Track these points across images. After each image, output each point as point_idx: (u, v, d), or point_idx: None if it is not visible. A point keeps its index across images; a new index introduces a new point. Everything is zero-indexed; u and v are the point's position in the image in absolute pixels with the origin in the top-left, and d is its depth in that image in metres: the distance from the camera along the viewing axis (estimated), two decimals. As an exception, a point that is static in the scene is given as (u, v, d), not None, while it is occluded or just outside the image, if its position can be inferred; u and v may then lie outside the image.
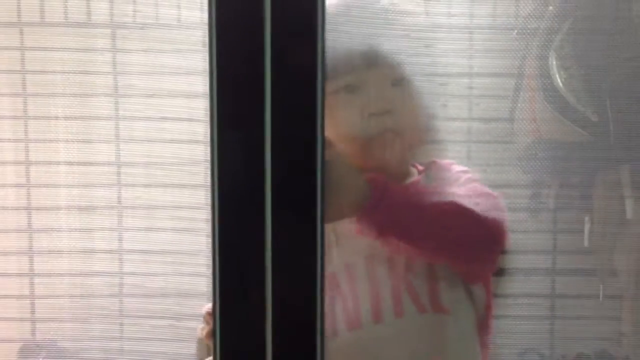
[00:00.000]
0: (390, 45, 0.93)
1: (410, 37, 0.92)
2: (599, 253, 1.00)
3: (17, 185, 1.09)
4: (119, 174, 1.08)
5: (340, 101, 0.92)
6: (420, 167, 0.97)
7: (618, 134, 0.94)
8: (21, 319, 1.10)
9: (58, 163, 1.08)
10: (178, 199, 1.08)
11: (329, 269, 0.91)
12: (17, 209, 1.09)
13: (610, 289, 1.00)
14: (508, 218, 0.91)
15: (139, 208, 1.09)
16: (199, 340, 0.95)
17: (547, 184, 0.97)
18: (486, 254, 0.92)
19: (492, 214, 0.89)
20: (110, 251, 1.09)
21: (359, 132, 0.92)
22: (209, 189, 0.84)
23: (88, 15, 1.06)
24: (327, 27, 0.81)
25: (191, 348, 1.05)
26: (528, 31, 0.95)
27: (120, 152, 1.08)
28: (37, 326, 1.10)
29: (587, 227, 0.98)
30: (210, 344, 0.86)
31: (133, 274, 1.10)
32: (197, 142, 1.07)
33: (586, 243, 0.98)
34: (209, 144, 0.83)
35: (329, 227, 0.91)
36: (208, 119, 0.83)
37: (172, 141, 1.07)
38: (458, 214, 0.88)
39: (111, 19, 1.06)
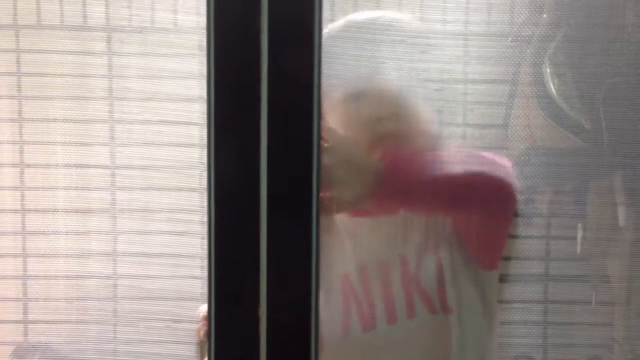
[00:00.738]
0: (386, 51, 0.94)
1: (406, 43, 0.93)
2: (591, 259, 1.00)
3: (13, 188, 1.09)
4: (114, 176, 1.08)
5: (348, 109, 0.93)
6: None
7: (611, 141, 0.95)
8: (15, 321, 1.10)
9: (54, 166, 1.09)
10: (173, 201, 1.09)
11: (342, 270, 0.92)
12: (13, 211, 1.09)
13: (603, 295, 1.00)
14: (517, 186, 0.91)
15: (134, 211, 1.09)
16: (201, 343, 0.95)
17: (541, 190, 0.98)
18: (499, 210, 0.93)
19: (502, 176, 0.90)
20: (105, 254, 1.09)
21: (366, 137, 0.92)
22: (205, 192, 0.84)
23: (84, 19, 1.06)
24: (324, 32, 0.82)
25: (186, 350, 1.05)
26: (522, 38, 0.96)
27: (116, 155, 1.08)
28: (30, 327, 1.10)
29: (580, 233, 0.98)
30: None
31: (128, 276, 1.10)
32: (192, 145, 1.07)
33: (579, 249, 0.99)
34: (204, 147, 0.84)
35: (341, 230, 0.92)
36: (203, 122, 0.83)
37: (167, 144, 1.08)
38: (470, 170, 0.90)
39: (107, 22, 1.06)
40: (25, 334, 1.10)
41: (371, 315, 0.93)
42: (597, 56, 0.95)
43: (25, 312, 1.09)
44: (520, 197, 0.97)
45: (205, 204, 0.83)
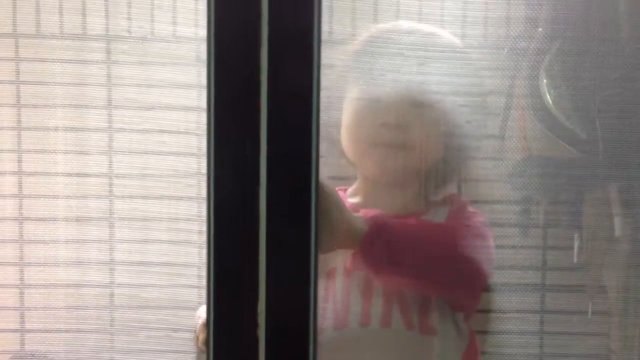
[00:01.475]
0: (384, 63, 0.95)
1: (404, 55, 0.94)
2: (588, 269, 1.01)
3: (11, 196, 1.09)
4: (112, 185, 1.08)
5: (360, 107, 0.94)
6: (435, 198, 0.98)
7: (607, 152, 0.96)
8: (13, 330, 1.10)
9: (52, 174, 1.09)
10: (171, 210, 1.09)
11: (331, 265, 0.93)
12: (11, 219, 1.09)
13: (600, 305, 1.01)
14: (493, 261, 0.94)
15: (132, 219, 1.09)
16: (200, 351, 0.95)
17: (537, 201, 0.98)
18: (468, 292, 0.95)
19: (480, 259, 0.92)
20: (103, 262, 1.09)
21: (368, 139, 0.93)
22: (203, 201, 0.84)
23: (84, 29, 1.07)
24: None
25: (184, 359, 1.05)
26: (518, 51, 0.97)
27: (114, 163, 1.08)
28: (28, 336, 1.10)
29: (576, 243, 0.99)
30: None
31: (126, 285, 1.10)
32: (190, 154, 1.07)
33: (575, 259, 1.00)
34: (202, 156, 0.84)
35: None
36: (201, 132, 0.84)
37: (165, 153, 1.08)
38: (447, 257, 0.91)
39: (107, 33, 1.07)
40: (23, 342, 1.10)
41: (345, 315, 0.93)
42: (593, 69, 0.96)
43: (22, 321, 1.09)
44: (516, 208, 0.98)
45: (203, 213, 0.83)
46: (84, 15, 1.06)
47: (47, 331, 1.09)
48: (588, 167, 0.97)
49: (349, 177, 1.01)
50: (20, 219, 1.09)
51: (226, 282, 0.84)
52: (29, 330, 1.10)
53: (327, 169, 0.94)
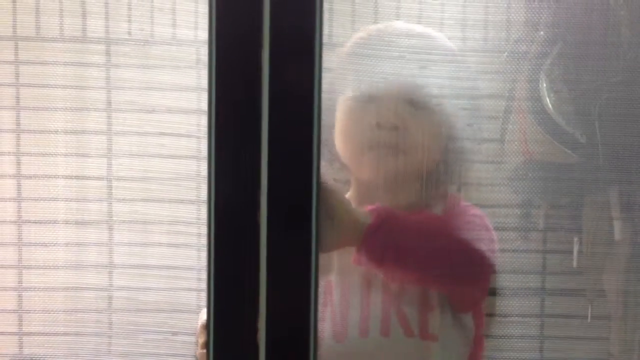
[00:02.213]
0: (386, 66, 0.94)
1: (405, 58, 0.94)
2: (588, 273, 1.01)
3: (11, 199, 1.09)
4: (110, 188, 1.08)
5: (354, 107, 0.93)
6: (431, 195, 0.97)
7: (607, 156, 0.96)
8: (11, 333, 1.09)
9: (52, 177, 1.09)
10: (170, 213, 1.09)
11: (326, 276, 0.92)
12: (11, 222, 1.09)
13: (600, 309, 1.01)
14: (497, 253, 0.93)
15: (131, 222, 1.09)
16: (199, 354, 0.95)
17: (537, 204, 0.98)
18: (474, 285, 0.94)
19: (485, 251, 0.91)
20: (102, 265, 1.09)
21: (362, 140, 0.93)
22: (202, 204, 0.84)
23: (84, 31, 1.07)
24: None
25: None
26: (518, 55, 0.97)
27: (114, 166, 1.08)
28: (26, 339, 1.09)
29: (576, 247, 0.99)
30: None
31: (125, 288, 1.09)
32: (190, 157, 1.07)
33: (575, 263, 1.00)
34: (202, 159, 0.84)
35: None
36: (201, 134, 0.84)
37: (165, 156, 1.08)
38: (453, 249, 0.90)
39: (107, 36, 1.07)
40: (21, 345, 1.09)
41: (344, 325, 0.92)
42: (593, 72, 0.96)
43: (20, 324, 1.09)
44: (516, 212, 0.98)
45: (203, 216, 0.83)
46: (84, 17, 1.06)
47: (45, 334, 1.09)
48: (588, 171, 0.97)
49: (341, 181, 1.00)
50: (20, 222, 1.09)
51: (226, 286, 0.84)
52: (28, 334, 1.09)
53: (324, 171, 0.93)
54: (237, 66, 0.83)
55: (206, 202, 0.83)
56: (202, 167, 1.03)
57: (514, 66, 0.97)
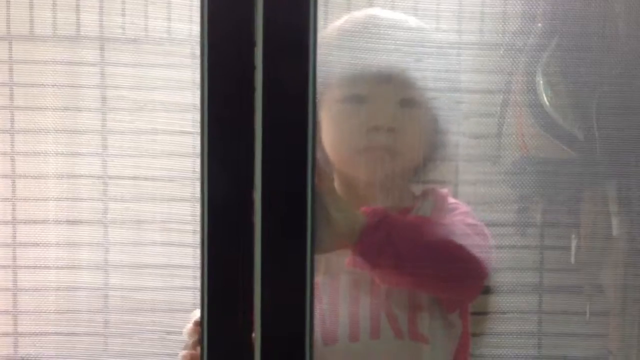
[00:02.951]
0: (381, 59, 0.93)
1: (401, 51, 0.93)
2: (586, 269, 1.00)
3: (4, 199, 1.08)
4: (106, 185, 1.08)
5: (345, 110, 0.92)
6: (417, 193, 0.97)
7: (604, 151, 0.95)
8: (4, 334, 1.09)
9: (45, 176, 1.08)
10: (166, 212, 1.08)
11: (315, 278, 0.91)
12: (4, 222, 1.09)
13: (598, 305, 1.00)
14: (492, 252, 0.92)
15: (126, 221, 1.08)
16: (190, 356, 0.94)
17: (534, 200, 0.98)
18: (469, 287, 0.94)
19: (479, 251, 0.90)
20: (96, 265, 1.09)
21: (358, 143, 0.92)
22: (197, 202, 0.83)
23: (77, 27, 1.06)
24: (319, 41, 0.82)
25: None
26: (515, 47, 0.96)
27: (108, 165, 1.08)
28: (20, 340, 1.09)
29: (573, 243, 0.98)
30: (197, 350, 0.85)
31: (120, 287, 1.09)
32: (186, 155, 1.07)
33: (573, 259, 0.99)
34: (198, 156, 0.83)
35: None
36: (197, 131, 0.83)
37: (160, 154, 1.07)
38: (449, 251, 0.89)
39: (101, 31, 1.06)
40: (15, 345, 1.09)
41: (334, 330, 0.92)
42: (590, 66, 0.95)
43: (15, 324, 1.08)
44: (513, 207, 0.97)
45: (198, 214, 0.83)
46: (77, 12, 1.05)
47: (40, 334, 1.09)
48: (585, 165, 0.96)
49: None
50: (14, 222, 1.08)
51: (221, 286, 0.83)
52: (22, 334, 1.09)
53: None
54: (230, 63, 0.82)
55: (199, 199, 0.82)
56: (197, 165, 1.02)
57: (510, 60, 0.96)
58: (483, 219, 0.95)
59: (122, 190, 1.08)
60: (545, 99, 0.96)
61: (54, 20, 1.05)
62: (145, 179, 1.07)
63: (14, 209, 1.08)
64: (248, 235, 0.82)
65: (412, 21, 0.94)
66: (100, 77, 1.07)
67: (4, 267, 1.09)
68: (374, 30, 0.93)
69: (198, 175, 0.83)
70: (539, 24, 0.95)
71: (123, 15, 1.05)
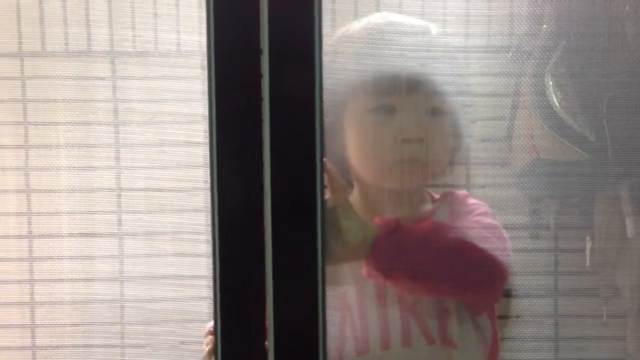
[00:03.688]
0: (388, 64, 0.93)
1: (406, 56, 0.93)
2: (601, 272, 0.99)
3: (19, 214, 1.09)
4: (119, 198, 1.08)
5: (376, 120, 0.91)
6: (436, 196, 0.96)
7: (615, 151, 0.94)
8: (22, 347, 1.10)
9: (59, 190, 1.09)
10: (179, 222, 1.08)
11: (341, 288, 0.91)
12: (19, 237, 1.10)
13: (614, 307, 0.99)
14: (511, 253, 0.91)
15: (140, 233, 1.09)
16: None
17: (546, 202, 0.97)
18: (489, 290, 0.93)
19: (497, 253, 0.89)
20: (111, 277, 1.09)
21: (388, 156, 0.91)
22: (209, 212, 0.84)
23: (88, 41, 1.07)
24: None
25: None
26: (523, 50, 0.96)
27: (121, 177, 1.08)
28: (38, 353, 1.10)
29: (588, 245, 0.97)
30: None
31: (135, 298, 1.09)
32: (196, 166, 1.07)
33: (588, 262, 0.98)
34: (207, 167, 0.84)
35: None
36: (207, 142, 0.83)
37: (171, 165, 1.08)
38: (464, 256, 0.89)
39: (111, 45, 1.07)
40: (34, 359, 1.09)
41: (364, 339, 0.91)
42: (599, 66, 0.94)
43: (32, 337, 1.09)
44: (525, 210, 0.96)
45: (210, 224, 0.83)
46: (87, 27, 1.07)
47: (57, 347, 1.09)
48: (597, 166, 0.95)
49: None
50: (29, 236, 1.09)
51: (233, 295, 0.83)
52: (40, 347, 1.09)
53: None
54: (237, 73, 0.82)
55: (210, 209, 0.82)
56: (208, 175, 1.02)
57: (518, 62, 0.96)
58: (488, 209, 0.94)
59: (135, 202, 1.09)
60: (554, 100, 0.95)
61: (64, 36, 1.07)
62: (157, 190, 1.08)
63: (29, 223, 1.09)
64: (259, 243, 0.82)
65: (426, 26, 0.94)
66: (111, 90, 1.08)
67: (20, 281, 1.09)
68: (389, 37, 0.93)
69: (209, 185, 0.84)
70: (546, 26, 0.94)
71: (133, 29, 1.06)
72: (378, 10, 0.97)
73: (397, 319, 0.91)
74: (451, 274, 0.89)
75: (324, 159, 0.83)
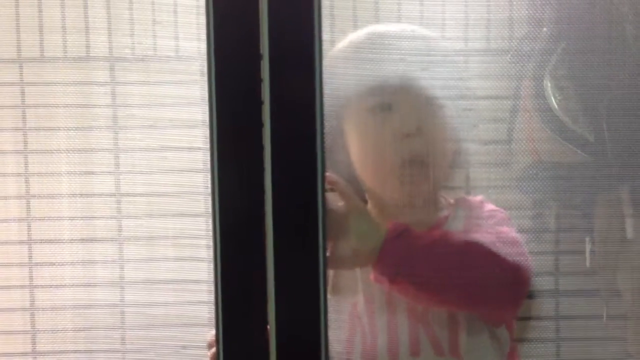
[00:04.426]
0: (388, 68, 0.93)
1: (406, 60, 0.93)
2: (601, 273, 0.99)
3: (20, 220, 1.09)
4: (119, 203, 1.08)
5: (374, 119, 0.90)
6: (451, 201, 0.95)
7: (615, 153, 0.94)
8: (23, 353, 1.09)
9: (59, 196, 1.09)
10: (179, 227, 1.08)
11: (351, 298, 0.91)
12: (19, 243, 1.10)
13: (615, 309, 0.99)
14: (531, 263, 0.89)
15: (140, 238, 1.09)
16: None
17: (547, 205, 0.97)
18: (509, 301, 0.91)
19: (515, 262, 0.87)
20: (112, 282, 1.09)
21: (389, 154, 0.90)
22: (209, 217, 0.84)
23: (87, 48, 1.07)
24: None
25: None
26: (522, 53, 0.96)
27: (121, 182, 1.08)
28: (39, 359, 1.09)
29: (588, 247, 0.97)
30: None
31: (135, 303, 1.09)
32: (196, 171, 1.07)
33: (588, 263, 0.98)
34: (208, 172, 0.84)
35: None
36: (207, 147, 0.84)
37: (171, 170, 1.08)
38: (474, 268, 0.86)
39: (110, 52, 1.07)
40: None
41: (373, 348, 0.91)
42: (598, 68, 0.95)
43: (33, 344, 1.09)
44: (526, 213, 0.96)
45: (211, 229, 0.83)
46: (86, 34, 1.07)
47: (58, 352, 1.09)
48: (597, 168, 0.96)
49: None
50: (29, 242, 1.09)
51: (234, 299, 0.83)
52: (41, 353, 1.09)
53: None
54: (237, 77, 0.82)
55: (211, 214, 0.82)
56: (208, 180, 1.03)
57: (518, 65, 0.96)
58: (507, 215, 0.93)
59: (135, 208, 1.09)
60: (554, 102, 0.95)
61: (63, 43, 1.07)
62: (158, 195, 1.08)
63: (29, 229, 1.09)
64: (260, 248, 0.82)
65: (420, 31, 0.94)
66: (110, 96, 1.08)
67: (21, 286, 1.09)
68: (384, 43, 0.93)
69: (209, 190, 0.84)
70: (545, 29, 0.95)
71: (131, 35, 1.06)
72: (377, 16, 0.97)
73: (406, 328, 0.90)
74: (459, 285, 0.87)
75: (327, 173, 0.82)
